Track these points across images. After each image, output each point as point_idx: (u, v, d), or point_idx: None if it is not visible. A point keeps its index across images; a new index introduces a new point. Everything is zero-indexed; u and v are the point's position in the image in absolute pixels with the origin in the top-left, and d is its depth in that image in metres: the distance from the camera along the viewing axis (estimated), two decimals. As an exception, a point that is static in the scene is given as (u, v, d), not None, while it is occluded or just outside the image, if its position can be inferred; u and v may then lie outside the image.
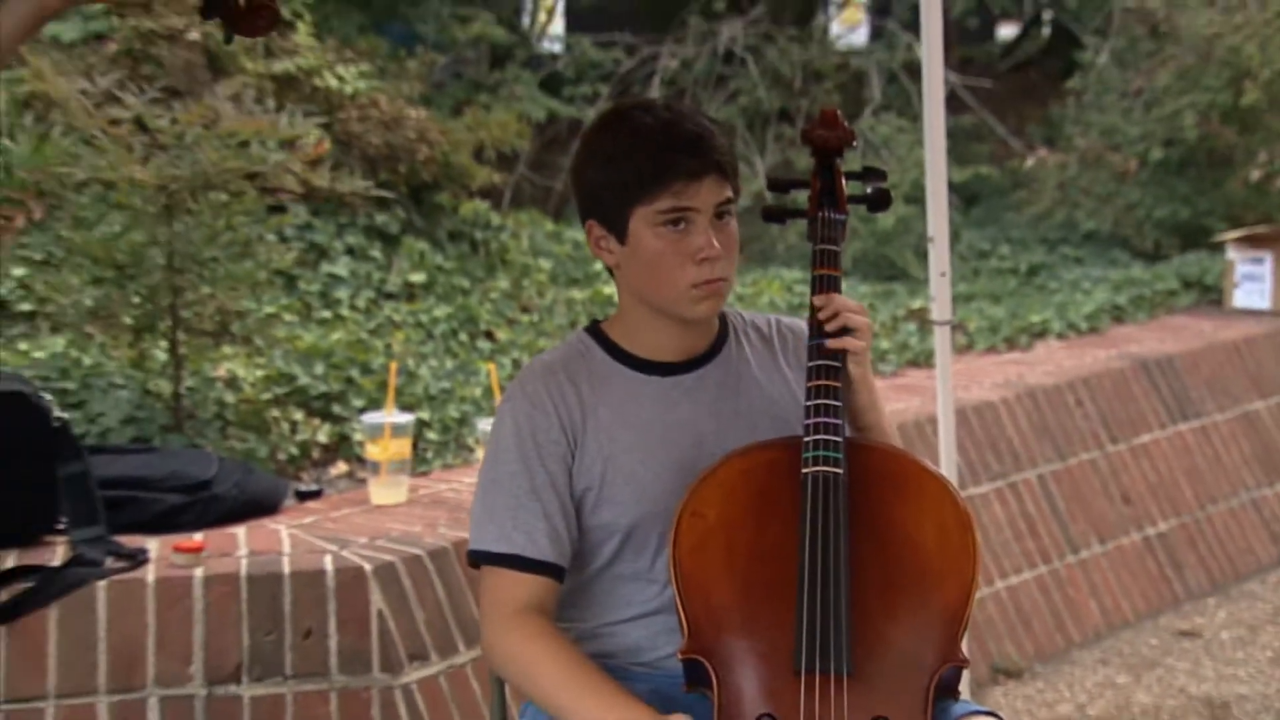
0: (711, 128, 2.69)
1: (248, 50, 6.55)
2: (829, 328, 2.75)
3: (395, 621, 4.02)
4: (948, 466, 4.17)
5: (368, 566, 4.04)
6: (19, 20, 2.40)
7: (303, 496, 4.80)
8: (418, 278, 6.73)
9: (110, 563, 3.96)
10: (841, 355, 2.75)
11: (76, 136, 5.89)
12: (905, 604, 2.62)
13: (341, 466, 5.22)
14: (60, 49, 6.52)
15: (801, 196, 3.00)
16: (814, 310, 2.79)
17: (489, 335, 6.49)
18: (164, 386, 5.25)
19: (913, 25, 10.37)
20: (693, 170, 2.63)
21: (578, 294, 7.09)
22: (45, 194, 5.50)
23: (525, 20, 11.66)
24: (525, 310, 6.86)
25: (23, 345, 5.55)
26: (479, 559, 2.72)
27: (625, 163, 2.66)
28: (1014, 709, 5.04)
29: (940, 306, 4.07)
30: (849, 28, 13.11)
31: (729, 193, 2.70)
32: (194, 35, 6.49)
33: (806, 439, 2.66)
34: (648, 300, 2.76)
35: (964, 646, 2.66)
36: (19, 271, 5.77)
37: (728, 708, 2.49)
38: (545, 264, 7.34)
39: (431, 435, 5.32)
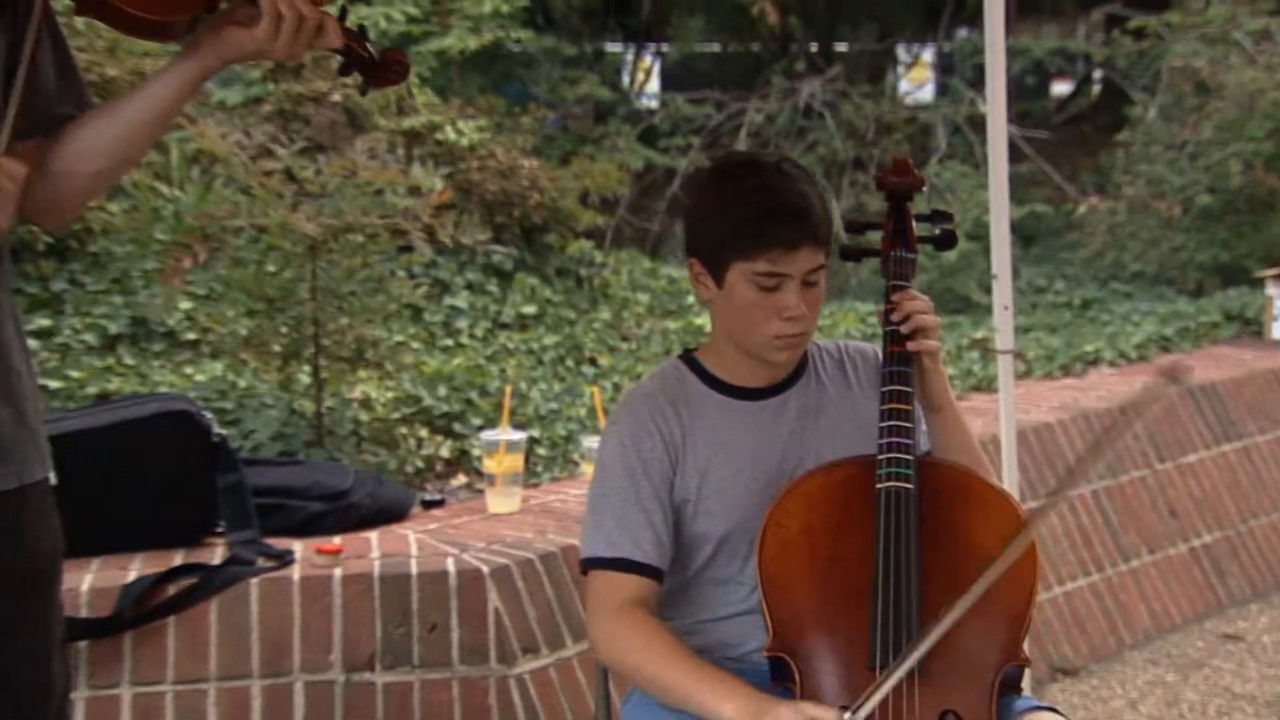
0: (813, 200, 2.68)
1: (382, 108, 6.61)
2: (904, 329, 2.75)
3: (510, 618, 4.05)
4: (1009, 482, 4.14)
5: (485, 568, 4.07)
6: (188, 78, 2.45)
7: (427, 505, 4.82)
8: (529, 310, 6.77)
9: (261, 562, 4.02)
10: (911, 374, 2.75)
11: (235, 187, 5.98)
12: (971, 607, 2.56)
13: (461, 478, 5.23)
14: (224, 111, 6.62)
15: (875, 236, 3.01)
16: (887, 329, 2.80)
17: (592, 361, 6.51)
18: (307, 406, 5.30)
19: (974, 82, 10.33)
20: (790, 241, 2.63)
21: (671, 324, 7.08)
22: (209, 237, 5.55)
23: (625, 80, 11.69)
24: (624, 339, 6.87)
25: (188, 369, 5.65)
26: (589, 565, 2.73)
27: (732, 220, 2.67)
28: (1071, 704, 5.00)
29: (1003, 337, 4.07)
30: (916, 85, 13.04)
31: (821, 260, 2.69)
32: (336, 97, 6.54)
33: (880, 456, 2.66)
34: (734, 340, 2.79)
35: (1025, 647, 2.67)
36: (185, 305, 5.85)
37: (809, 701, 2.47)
38: (642, 297, 7.37)
39: (541, 451, 5.32)
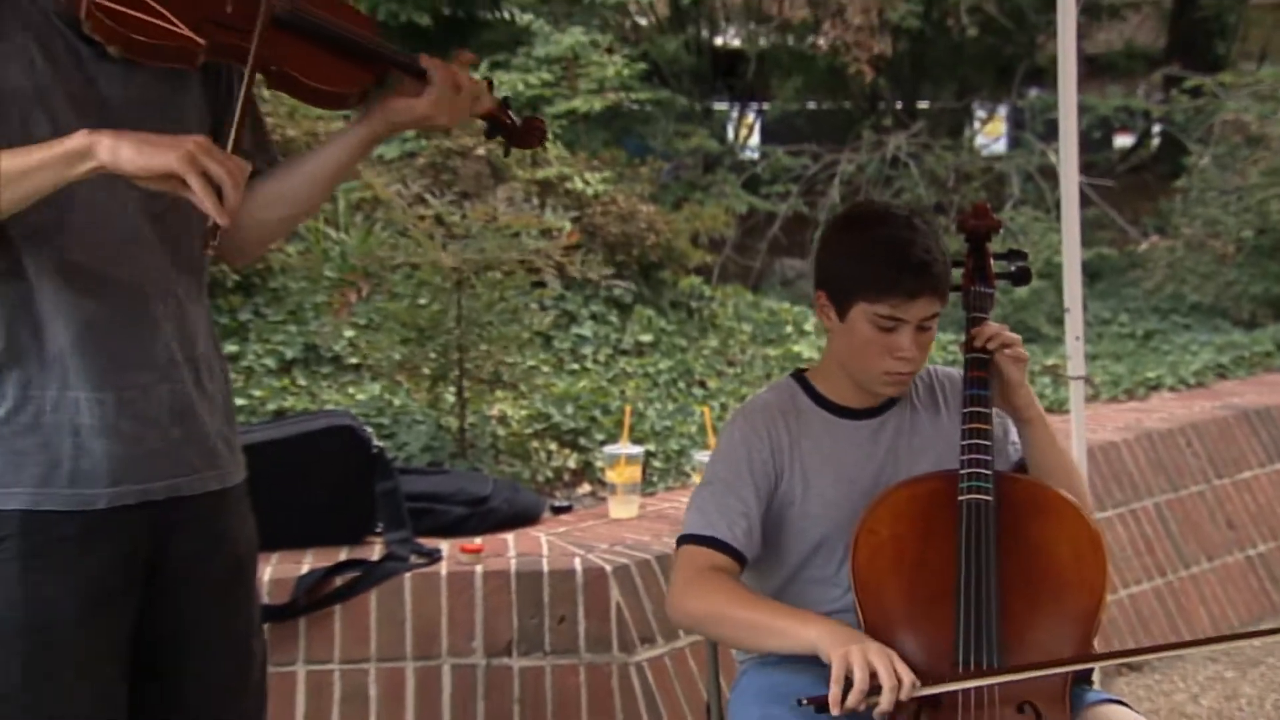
0: (937, 255, 2.68)
1: (519, 161, 6.67)
2: (991, 345, 2.78)
3: (629, 611, 4.07)
4: (1083, 495, 4.14)
5: (608, 567, 4.10)
6: (359, 141, 2.51)
7: (556, 511, 4.83)
8: (646, 338, 6.79)
9: (414, 559, 4.06)
10: (989, 396, 2.76)
11: (393, 230, 6.06)
12: (1045, 608, 2.61)
13: (586, 487, 5.24)
14: (384, 163, 6.72)
15: (956, 273, 2.98)
16: (967, 355, 2.82)
17: (702, 384, 6.52)
18: (452, 422, 5.34)
19: (1044, 136, 10.25)
20: (912, 291, 2.64)
21: (772, 351, 7.07)
22: (370, 275, 5.63)
23: (731, 134, 11.70)
24: (730, 364, 6.87)
25: (351, 390, 5.72)
26: (682, 540, 2.75)
27: (861, 265, 2.69)
28: (1136, 697, 4.95)
29: (1075, 364, 4.05)
30: (991, 138, 12.97)
31: (937, 309, 2.71)
32: (480, 151, 6.61)
33: (962, 471, 2.67)
34: (846, 368, 2.81)
35: (1095, 644, 2.67)
36: (349, 333, 5.92)
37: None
38: (746, 327, 7.35)
39: (657, 463, 5.34)
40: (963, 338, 2.90)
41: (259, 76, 2.32)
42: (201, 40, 2.26)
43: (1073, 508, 2.76)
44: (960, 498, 2.65)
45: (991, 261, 3.01)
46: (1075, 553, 2.66)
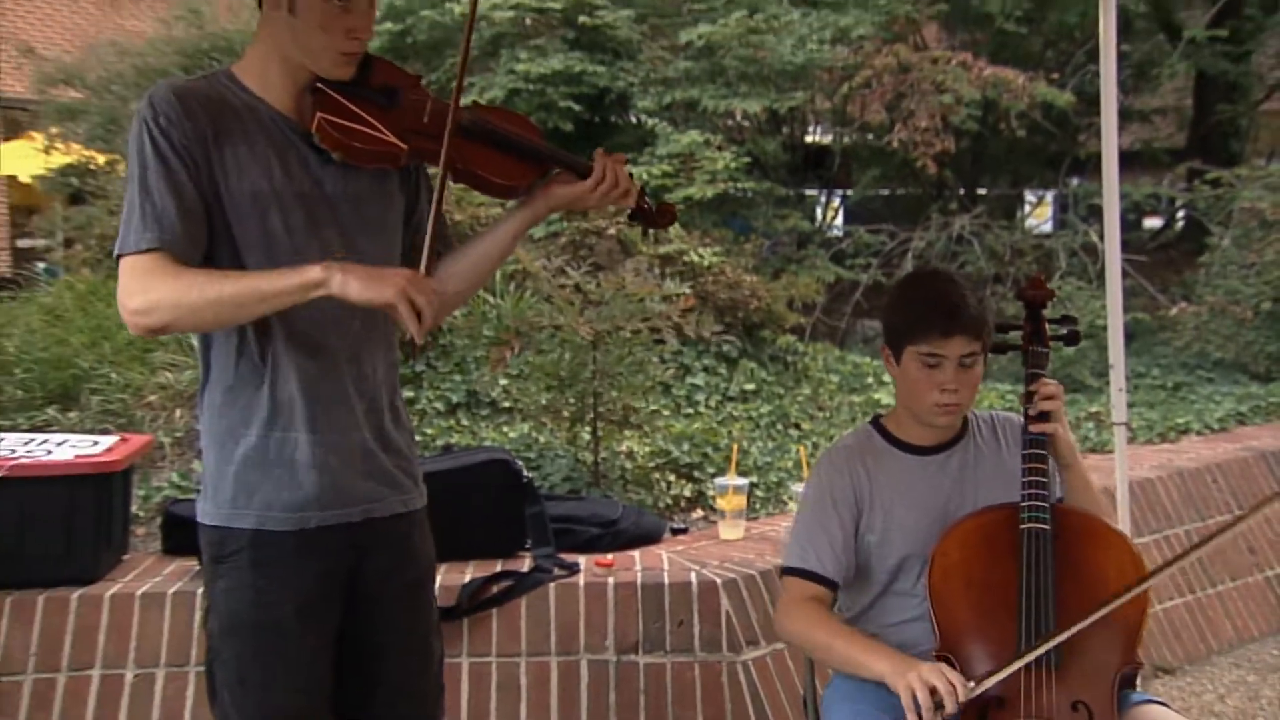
0: (970, 301, 2.72)
1: (644, 239, 6.73)
2: (1044, 395, 2.77)
3: (737, 618, 4.06)
4: (1123, 524, 4.09)
5: (719, 580, 4.09)
6: (522, 223, 2.56)
7: (675, 532, 4.83)
8: (749, 386, 6.77)
9: (556, 571, 4.08)
10: (1047, 440, 2.74)
11: (540, 297, 6.12)
12: (1099, 621, 2.55)
13: (699, 513, 5.22)
14: (532, 242, 6.79)
15: (1015, 335, 3.01)
16: (1027, 406, 2.80)
17: (796, 426, 6.49)
18: (587, 457, 5.36)
19: (1085, 218, 10.27)
20: (946, 330, 2.68)
21: (855, 398, 7.03)
22: (520, 334, 5.68)
23: (819, 216, 11.71)
24: (820, 409, 6.83)
25: (505, 428, 5.76)
26: (783, 572, 2.81)
27: (906, 314, 2.75)
28: (1170, 696, 4.83)
29: (1118, 412, 4.01)
30: (1040, 220, 12.93)
31: (975, 348, 2.71)
32: (611, 231, 6.67)
33: (1023, 504, 2.67)
34: (908, 407, 2.82)
35: (1138, 652, 2.64)
36: (503, 382, 5.97)
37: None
38: (833, 378, 7.32)
39: (759, 493, 5.31)
40: (1023, 389, 2.89)
41: (447, 172, 2.39)
42: (404, 146, 2.35)
43: (1119, 536, 2.77)
44: (1021, 526, 2.64)
45: (1046, 325, 3.00)
46: (1121, 574, 2.63)
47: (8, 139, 16.36)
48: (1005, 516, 2.69)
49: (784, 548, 2.86)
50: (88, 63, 12.15)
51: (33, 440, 4.20)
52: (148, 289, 2.20)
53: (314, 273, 2.17)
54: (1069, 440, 2.82)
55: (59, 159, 11.43)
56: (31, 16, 17.40)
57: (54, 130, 11.64)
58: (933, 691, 2.40)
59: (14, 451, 4.02)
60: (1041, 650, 2.45)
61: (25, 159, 13.57)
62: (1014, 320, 3.05)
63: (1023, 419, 2.82)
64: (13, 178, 16.27)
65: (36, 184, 13.74)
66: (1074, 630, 2.43)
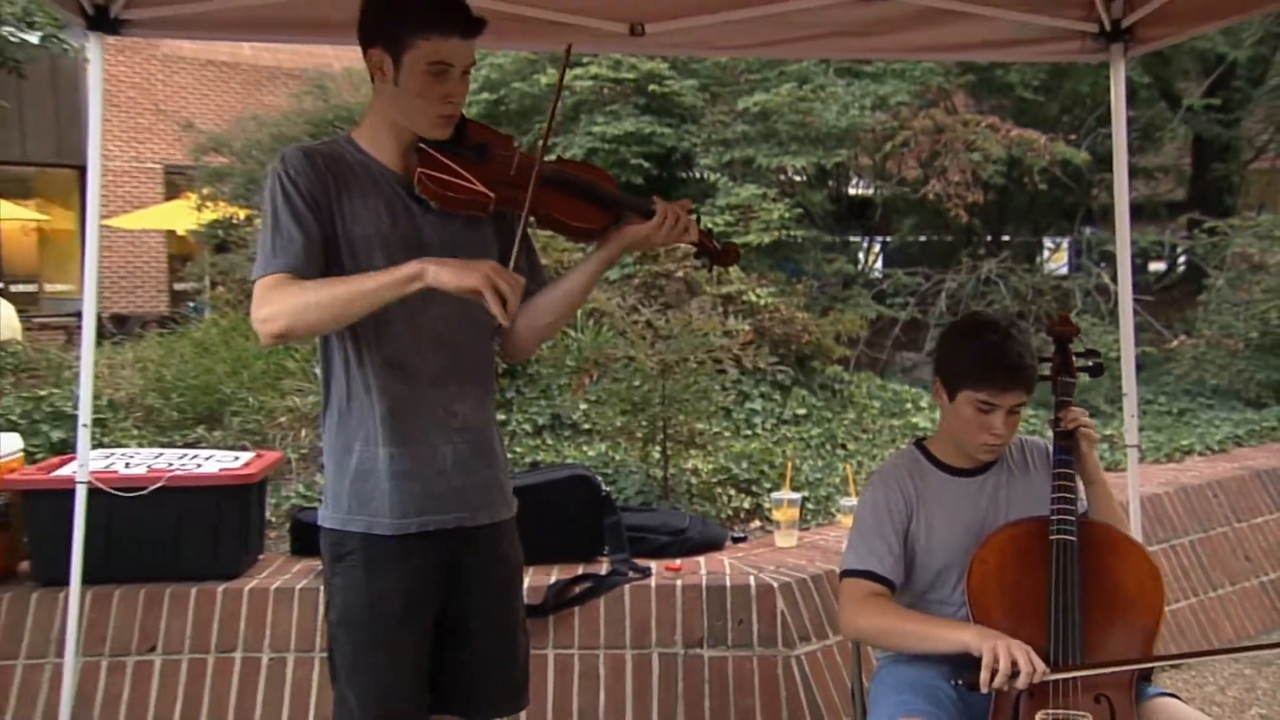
0: (1028, 359, 2.68)
1: (708, 280, 6.71)
2: (1074, 426, 2.73)
3: (791, 617, 3.99)
4: (1135, 535, 4.01)
5: (775, 583, 4.03)
6: (600, 264, 2.54)
7: (735, 540, 4.77)
8: (801, 411, 6.71)
9: (631, 574, 4.04)
10: (1073, 460, 2.70)
11: (615, 332, 6.13)
12: (1117, 623, 2.55)
13: (757, 523, 5.18)
14: (608, 283, 6.79)
15: (1045, 367, 2.93)
16: (1056, 430, 2.75)
17: (843, 446, 6.42)
18: (658, 473, 5.33)
19: (1097, 262, 10.16)
20: (1005, 386, 2.64)
21: (895, 422, 6.96)
22: (598, 364, 5.70)
23: (862, 260, 11.65)
24: (864, 431, 6.76)
25: (585, 447, 5.74)
26: (844, 574, 2.74)
27: (969, 361, 2.68)
28: (1176, 688, 4.73)
29: (1130, 435, 3.92)
30: (1058, 264, 12.83)
31: (1024, 399, 2.69)
32: (680, 273, 6.67)
33: (1052, 517, 2.61)
34: (954, 438, 2.75)
35: (1155, 649, 2.60)
36: (584, 406, 5.96)
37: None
38: (876, 404, 7.24)
39: (810, 506, 5.26)
40: (1051, 415, 2.85)
41: (531, 219, 2.39)
42: (493, 195, 2.36)
43: (1138, 547, 2.72)
44: (1051, 537, 2.59)
45: (1073, 358, 2.95)
46: (1139, 581, 2.60)
47: (168, 199, 16.70)
48: (1037, 528, 2.64)
49: (844, 552, 2.80)
50: (234, 133, 12.37)
51: (185, 455, 4.27)
52: (271, 300, 2.23)
53: (411, 267, 2.18)
54: (1095, 459, 2.78)
55: (208, 215, 11.65)
56: (190, 96, 17.76)
57: (205, 191, 11.85)
58: (1013, 663, 2.37)
59: (171, 465, 4.09)
60: (1115, 669, 2.45)
61: (182, 215, 13.85)
62: (1042, 353, 2.99)
63: (1052, 441, 2.77)
64: (171, 231, 16.61)
65: (190, 236, 14.03)
66: (1131, 666, 2.47)
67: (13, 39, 7.84)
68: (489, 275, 2.15)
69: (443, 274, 2.16)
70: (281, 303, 2.21)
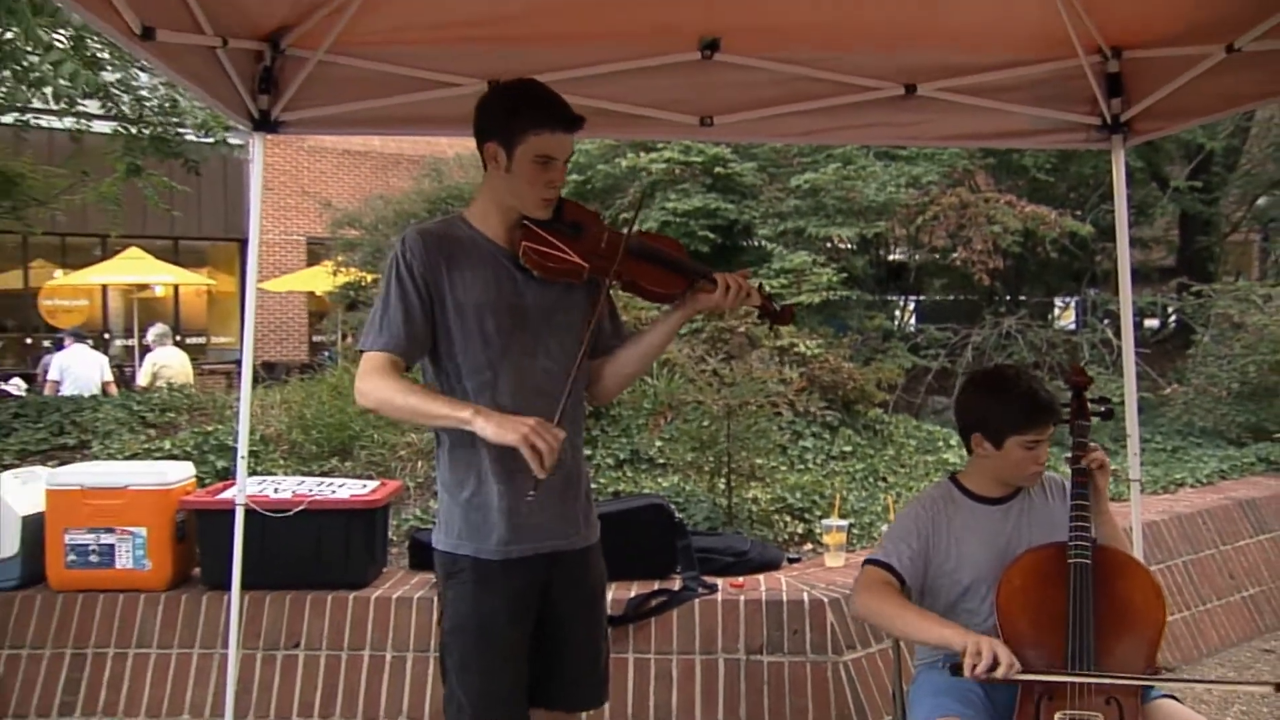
0: (1050, 393, 2.68)
1: (766, 335, 6.70)
2: (1092, 465, 2.70)
3: (839, 628, 3.94)
4: (1137, 557, 3.93)
5: (825, 599, 3.99)
6: (675, 323, 2.54)
7: (790, 561, 4.75)
8: (847, 449, 6.65)
9: (700, 590, 4.03)
10: (1089, 493, 2.67)
11: (685, 379, 6.13)
12: (1126, 635, 2.52)
13: (809, 546, 5.14)
14: (680, 337, 6.80)
15: (1065, 411, 2.87)
16: (1074, 468, 2.71)
17: (884, 479, 6.34)
18: (723, 502, 5.31)
19: (1101, 319, 10.03)
20: (1045, 422, 2.65)
21: (929, 458, 6.86)
22: (671, 407, 5.71)
23: (898, 316, 11.54)
24: (902, 466, 6.67)
25: (660, 479, 5.72)
26: (867, 562, 2.72)
27: (1007, 411, 2.66)
28: (1169, 689, 4.67)
29: (1134, 470, 3.82)
30: (1067, 320, 12.67)
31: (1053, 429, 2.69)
32: (741, 329, 6.66)
33: (1069, 543, 2.59)
34: (1000, 479, 2.73)
35: (1158, 657, 2.58)
36: (658, 443, 5.95)
37: (1027, 686, 2.44)
38: (912, 442, 7.14)
39: (856, 531, 5.19)
40: (1067, 453, 2.80)
41: (616, 284, 2.41)
42: (586, 265, 2.37)
43: (1144, 569, 2.69)
44: (1069, 560, 2.56)
45: (1088, 405, 2.90)
46: (1144, 599, 2.58)
47: (309, 265, 17.06)
48: (1056, 552, 2.60)
49: (876, 548, 2.79)
50: (364, 210, 12.60)
51: (323, 483, 4.33)
52: (368, 378, 2.30)
53: (466, 412, 2.22)
54: (1106, 493, 2.75)
55: (341, 279, 11.87)
56: (329, 179, 18.17)
57: (339, 259, 12.08)
58: (993, 656, 2.36)
59: (311, 491, 4.16)
60: (1082, 680, 2.41)
61: (320, 279, 14.15)
62: (1064, 401, 2.95)
63: (1070, 477, 2.73)
64: (311, 292, 16.95)
65: (326, 297, 14.30)
66: (1120, 680, 2.43)
67: (192, 141, 8.30)
68: (526, 435, 2.15)
69: (488, 427, 2.19)
70: (375, 389, 2.28)
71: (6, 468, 5.36)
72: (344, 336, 12.32)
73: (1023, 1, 3.10)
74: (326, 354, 15.59)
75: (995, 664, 2.36)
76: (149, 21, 2.49)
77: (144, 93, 8.02)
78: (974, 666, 2.35)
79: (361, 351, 2.35)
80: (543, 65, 3.25)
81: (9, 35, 5.91)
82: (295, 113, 3.38)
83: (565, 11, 3.15)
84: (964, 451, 2.83)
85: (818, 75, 3.48)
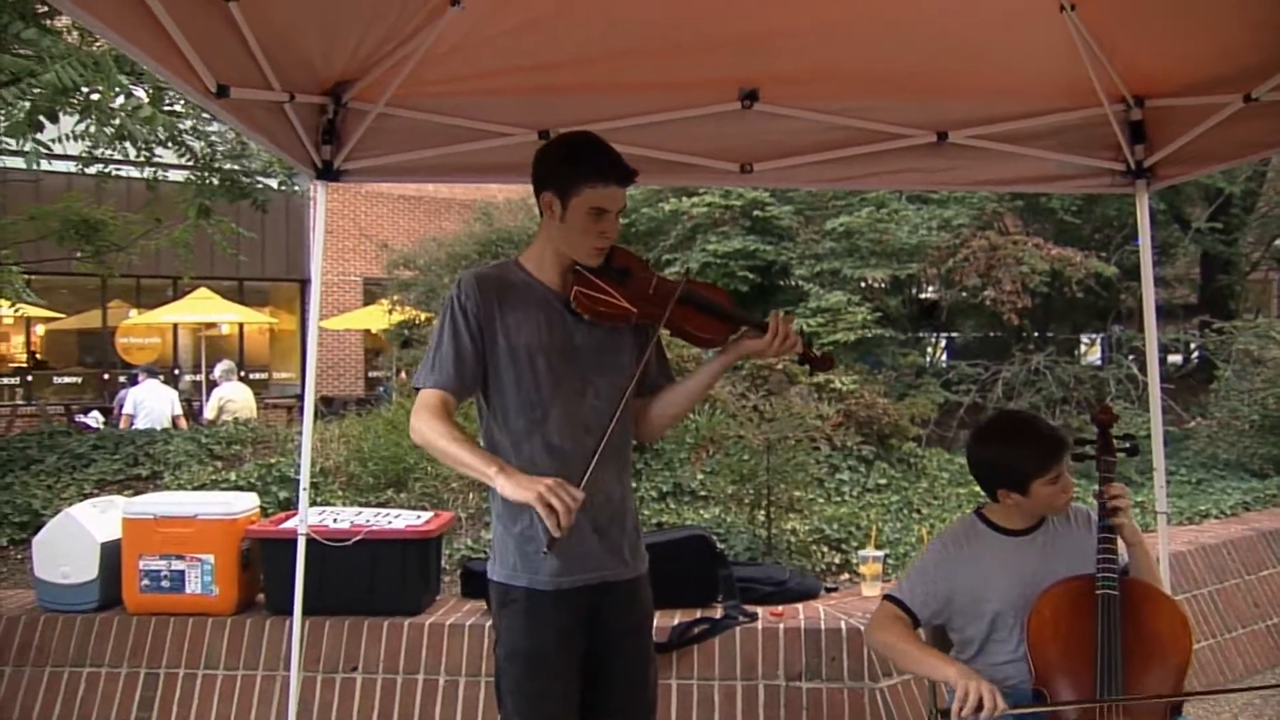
0: (1057, 428, 2.69)
1: (803, 372, 6.69)
2: (1114, 495, 2.66)
3: (875, 656, 3.89)
4: (1165, 587, 3.86)
5: (861, 627, 3.92)
6: (721, 367, 2.56)
7: (828, 590, 4.71)
8: (882, 481, 6.60)
9: (741, 618, 4.02)
10: (1115, 526, 2.63)
11: (726, 414, 6.13)
12: (1154, 664, 2.49)
13: (846, 576, 5.11)
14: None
15: (1089, 448, 2.88)
16: (1100, 501, 2.68)
17: (918, 511, 6.29)
18: (763, 533, 5.29)
19: (1126, 356, 9.90)
20: (1061, 457, 2.64)
21: (961, 490, 6.78)
22: (713, 441, 5.70)
23: (930, 353, 11.46)
24: (935, 498, 6.61)
25: (702, 511, 5.71)
26: (885, 597, 2.73)
27: (1027, 457, 2.64)
28: (1199, 715, 4.59)
29: (1160, 503, 3.77)
30: (1093, 357, 12.54)
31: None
32: (780, 366, 6.65)
33: (1097, 574, 2.56)
34: (1032, 513, 2.72)
35: (1184, 685, 2.55)
36: (700, 476, 5.93)
37: (1056, 715, 2.43)
38: (945, 475, 7.07)
39: (891, 561, 5.15)
40: (1094, 486, 2.78)
41: (665, 330, 2.43)
42: (635, 310, 2.39)
43: (1170, 600, 2.67)
44: (1097, 591, 2.54)
45: (1114, 441, 2.88)
46: (1171, 629, 2.55)
47: (366, 304, 17.28)
48: (1085, 584, 2.57)
49: (899, 582, 2.80)
50: (418, 252, 12.73)
51: (379, 513, 4.37)
52: (419, 415, 2.34)
53: (491, 469, 2.22)
54: (1133, 525, 2.71)
55: (396, 317, 12.00)
56: (385, 222, 18.42)
57: (395, 298, 12.21)
58: (979, 700, 2.37)
59: (368, 521, 4.19)
60: (1068, 707, 2.41)
61: (376, 318, 14.31)
62: (1088, 436, 2.95)
63: (1097, 509, 2.71)
64: (367, 330, 17.14)
65: (382, 334, 14.46)
66: (1111, 701, 2.40)
67: (260, 184, 8.50)
68: (542, 494, 2.12)
69: (507, 485, 2.18)
70: (423, 428, 2.32)
71: (86, 496, 5.48)
72: (398, 372, 12.43)
73: (1049, 53, 3.11)
74: (381, 389, 15.74)
75: (981, 705, 2.36)
76: (223, 80, 2.57)
77: (214, 137, 8.23)
78: (960, 709, 2.37)
79: (416, 389, 2.39)
80: (590, 115, 3.31)
81: (95, 95, 6.09)
82: (356, 162, 3.45)
83: (612, 64, 3.20)
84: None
85: (852, 124, 3.51)
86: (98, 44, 5.77)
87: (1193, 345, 11.74)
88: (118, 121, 6.29)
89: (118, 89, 5.95)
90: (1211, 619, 5.38)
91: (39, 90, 5.48)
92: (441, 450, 2.30)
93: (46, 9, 5.71)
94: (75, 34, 6.23)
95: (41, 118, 5.69)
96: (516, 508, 2.39)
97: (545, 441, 2.38)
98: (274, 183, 8.70)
